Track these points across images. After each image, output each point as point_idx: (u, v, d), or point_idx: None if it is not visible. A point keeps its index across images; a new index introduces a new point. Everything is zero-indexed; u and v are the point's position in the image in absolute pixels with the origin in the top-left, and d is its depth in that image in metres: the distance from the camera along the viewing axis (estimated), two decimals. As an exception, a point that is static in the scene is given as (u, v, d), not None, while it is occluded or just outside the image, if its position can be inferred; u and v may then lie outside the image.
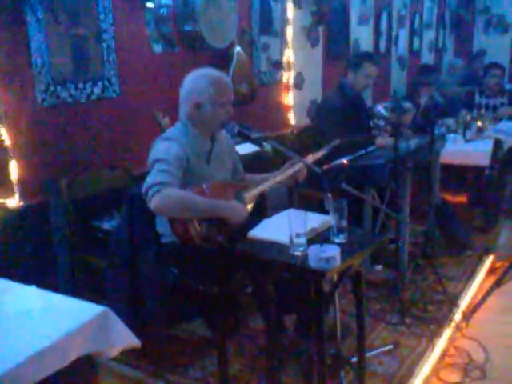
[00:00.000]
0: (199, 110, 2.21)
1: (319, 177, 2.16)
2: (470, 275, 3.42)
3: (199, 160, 2.25)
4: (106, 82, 2.92)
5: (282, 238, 1.88)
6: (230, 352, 2.53)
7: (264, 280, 1.95)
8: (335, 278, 1.97)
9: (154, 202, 2.01)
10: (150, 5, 3.12)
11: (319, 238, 1.89)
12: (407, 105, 4.64)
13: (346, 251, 1.78)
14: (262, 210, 3.05)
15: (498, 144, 3.76)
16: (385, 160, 2.90)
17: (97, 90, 2.89)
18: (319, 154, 2.46)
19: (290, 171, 2.36)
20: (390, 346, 2.62)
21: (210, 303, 2.22)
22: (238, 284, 2.26)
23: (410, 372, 2.43)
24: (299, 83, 4.61)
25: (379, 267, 3.47)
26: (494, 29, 8.74)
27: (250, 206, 2.29)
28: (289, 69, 4.46)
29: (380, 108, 3.54)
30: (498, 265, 3.54)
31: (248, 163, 3.22)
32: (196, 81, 2.22)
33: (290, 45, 4.39)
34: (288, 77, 4.47)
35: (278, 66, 4.35)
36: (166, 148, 2.15)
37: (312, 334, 2.00)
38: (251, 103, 3.84)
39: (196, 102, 2.20)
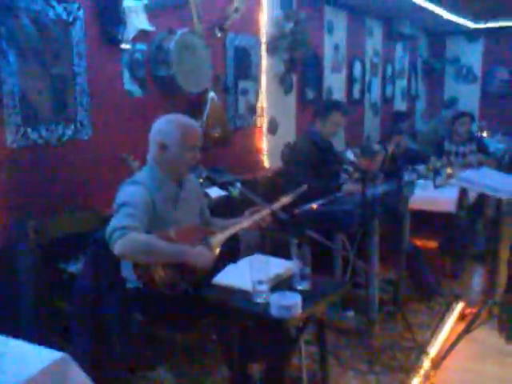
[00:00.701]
0: (165, 152, 2.22)
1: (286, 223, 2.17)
2: (440, 322, 3.41)
3: (166, 205, 2.24)
4: (78, 125, 2.93)
5: (246, 284, 1.87)
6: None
7: (227, 327, 1.92)
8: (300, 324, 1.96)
9: (117, 247, 1.99)
10: (126, 46, 3.16)
11: (284, 284, 1.88)
12: (376, 146, 4.75)
13: (309, 299, 1.78)
14: (235, 253, 3.05)
15: (463, 192, 3.83)
16: (353, 205, 2.93)
17: (68, 132, 2.90)
18: (286, 200, 2.47)
19: (256, 217, 2.37)
20: (358, 395, 2.59)
21: (173, 350, 2.18)
22: (202, 331, 2.22)
23: (378, 422, 2.39)
24: (273, 128, 4.70)
25: (351, 313, 3.44)
26: (464, 78, 9.06)
27: (216, 251, 2.28)
28: (262, 114, 4.54)
29: (349, 154, 3.61)
30: (467, 311, 3.55)
31: (218, 207, 3.25)
32: (164, 124, 2.25)
33: (263, 91, 4.48)
34: (262, 122, 4.55)
35: (252, 110, 4.42)
36: (132, 192, 2.15)
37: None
38: (225, 147, 3.88)
39: (162, 143, 2.22)
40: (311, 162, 3.45)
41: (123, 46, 3.16)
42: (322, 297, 1.85)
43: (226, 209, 3.26)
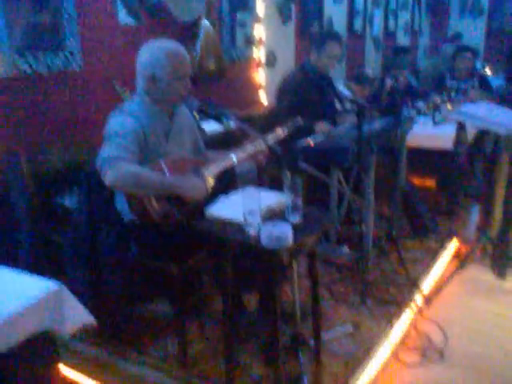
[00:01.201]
0: (155, 83, 2.14)
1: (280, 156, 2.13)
2: (434, 259, 3.44)
3: (157, 137, 2.19)
4: (67, 54, 2.82)
5: (238, 216, 1.85)
6: (192, 333, 2.54)
7: (220, 258, 1.92)
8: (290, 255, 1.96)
9: (108, 177, 1.95)
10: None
11: (276, 217, 1.86)
12: (369, 72, 4.64)
13: (300, 230, 1.76)
14: (231, 188, 3.03)
15: (461, 127, 3.76)
16: (349, 142, 2.87)
17: (58, 62, 2.79)
18: (281, 132, 2.42)
19: (251, 150, 2.31)
20: (350, 328, 2.64)
21: (169, 282, 2.20)
22: (198, 263, 2.23)
23: (369, 353, 2.44)
24: (271, 61, 4.54)
25: (345, 249, 3.47)
26: (469, 12, 8.75)
27: (210, 183, 2.25)
28: (260, 45, 4.37)
29: (341, 87, 3.50)
30: (462, 249, 3.58)
31: (214, 141, 3.19)
32: (151, 53, 2.14)
33: (261, 21, 4.30)
34: (259, 54, 4.39)
35: (248, 42, 4.26)
36: (121, 122, 2.09)
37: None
38: (220, 81, 3.77)
39: (151, 74, 2.13)
40: (302, 96, 3.31)
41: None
42: (313, 228, 1.83)
43: (223, 143, 3.20)
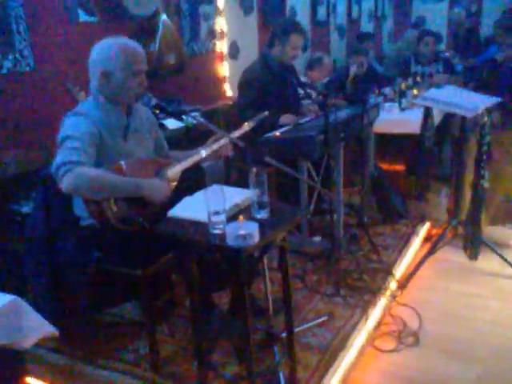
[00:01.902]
0: (109, 80, 2.07)
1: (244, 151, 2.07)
2: (406, 244, 3.45)
3: (114, 136, 2.11)
4: (17, 55, 2.71)
5: (203, 216, 1.79)
6: (163, 334, 2.49)
7: (186, 260, 1.87)
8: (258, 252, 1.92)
9: (64, 183, 1.88)
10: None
11: (242, 214, 1.81)
12: (319, 53, 4.62)
13: (267, 227, 1.72)
14: (200, 186, 2.97)
15: (427, 112, 3.76)
16: (316, 131, 2.83)
17: (8, 64, 2.67)
18: (245, 128, 2.37)
19: (215, 146, 2.26)
20: (325, 318, 2.61)
21: (135, 286, 2.13)
22: (164, 265, 2.17)
23: (345, 342, 2.42)
24: (234, 52, 4.47)
25: (318, 238, 3.44)
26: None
27: (173, 184, 2.19)
28: (222, 38, 4.30)
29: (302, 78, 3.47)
30: (433, 232, 3.59)
31: (177, 138, 3.12)
32: (104, 49, 2.08)
33: (222, 12, 4.23)
34: (221, 46, 4.32)
35: (210, 34, 4.19)
36: (75, 124, 2.01)
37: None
38: (181, 75, 3.69)
39: (104, 70, 2.06)
40: (265, 90, 3.25)
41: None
42: (279, 224, 1.78)
43: (186, 141, 3.14)
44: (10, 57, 2.68)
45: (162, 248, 2.12)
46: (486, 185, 3.07)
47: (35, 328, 1.67)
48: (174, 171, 2.20)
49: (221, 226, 1.68)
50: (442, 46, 7.18)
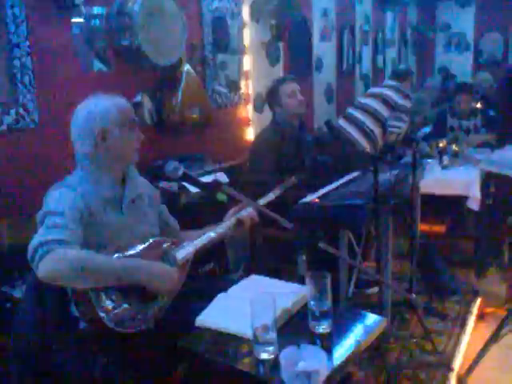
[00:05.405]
0: (106, 141, 1.75)
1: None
2: (462, 327, 2.96)
3: (108, 208, 1.75)
4: (20, 110, 2.35)
5: (242, 327, 1.34)
6: None
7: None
8: None
9: (40, 269, 1.48)
10: (79, 10, 2.57)
11: (294, 322, 1.37)
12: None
13: (332, 347, 1.25)
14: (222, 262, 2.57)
15: (488, 177, 3.34)
16: (363, 198, 2.41)
17: (9, 119, 2.31)
18: (272, 196, 2.10)
19: (234, 220, 1.93)
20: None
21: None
22: (180, 380, 1.71)
23: None
24: (259, 105, 4.14)
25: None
26: (455, 47, 8.60)
27: (184, 269, 1.77)
28: (247, 89, 3.99)
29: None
30: (488, 310, 3.12)
31: (201, 205, 2.73)
32: (92, 108, 1.78)
33: (248, 63, 3.93)
34: (247, 98, 4.00)
35: (235, 86, 3.86)
36: (57, 198, 1.66)
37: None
38: (205, 130, 3.34)
39: (100, 129, 1.74)
40: (279, 153, 3.00)
41: (76, 11, 2.58)
42: (351, 344, 1.31)
43: (209, 205, 2.74)
44: (12, 111, 2.32)
45: (181, 359, 1.67)
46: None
47: None
48: (186, 252, 1.79)
49: (270, 349, 1.23)
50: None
